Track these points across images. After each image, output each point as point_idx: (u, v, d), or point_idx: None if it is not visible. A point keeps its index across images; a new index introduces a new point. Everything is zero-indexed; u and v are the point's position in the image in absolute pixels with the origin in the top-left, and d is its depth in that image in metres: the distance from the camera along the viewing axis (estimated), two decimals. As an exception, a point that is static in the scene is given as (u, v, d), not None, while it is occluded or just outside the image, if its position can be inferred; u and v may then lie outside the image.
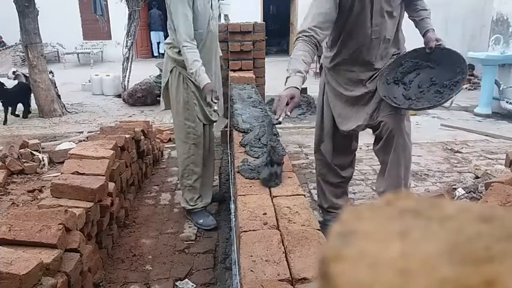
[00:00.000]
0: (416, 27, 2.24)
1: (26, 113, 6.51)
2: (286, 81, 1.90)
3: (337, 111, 2.41)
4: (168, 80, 2.66)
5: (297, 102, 1.84)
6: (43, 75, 6.38)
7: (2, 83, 6.09)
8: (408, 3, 2.27)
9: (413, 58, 2.23)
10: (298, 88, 1.84)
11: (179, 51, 2.52)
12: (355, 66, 2.25)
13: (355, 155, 2.73)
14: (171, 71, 2.63)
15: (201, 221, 2.77)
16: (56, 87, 6.79)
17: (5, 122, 6.15)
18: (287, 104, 1.79)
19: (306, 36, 1.99)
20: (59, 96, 6.78)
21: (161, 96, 2.81)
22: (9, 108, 6.27)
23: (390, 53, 2.26)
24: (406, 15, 2.30)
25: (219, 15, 8.44)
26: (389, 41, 2.20)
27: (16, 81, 6.67)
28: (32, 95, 6.57)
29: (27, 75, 6.61)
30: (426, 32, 2.18)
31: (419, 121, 5.85)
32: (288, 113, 1.79)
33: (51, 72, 6.87)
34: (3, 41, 12.97)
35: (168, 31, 2.62)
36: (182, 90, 2.64)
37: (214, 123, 2.89)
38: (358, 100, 2.32)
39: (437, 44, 2.14)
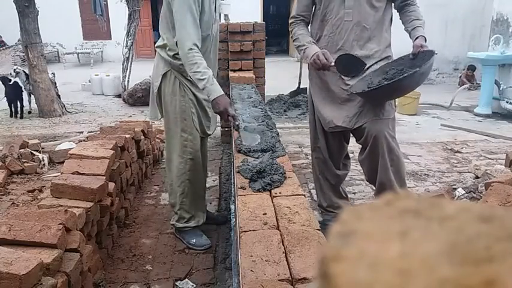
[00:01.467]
0: (410, 37, 2.26)
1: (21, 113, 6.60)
2: (305, 51, 2.26)
3: (318, 108, 2.44)
4: (161, 84, 2.36)
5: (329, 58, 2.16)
6: (43, 75, 6.38)
7: (9, 79, 6.35)
8: (400, 10, 2.34)
9: (399, 66, 2.23)
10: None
11: (174, 55, 2.25)
12: (331, 54, 2.26)
13: (348, 156, 2.73)
14: (165, 74, 2.33)
15: (194, 240, 2.52)
16: (56, 87, 6.81)
17: (14, 115, 6.45)
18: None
19: (298, 20, 2.38)
20: (59, 96, 6.79)
21: (151, 103, 2.49)
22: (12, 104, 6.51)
23: (370, 47, 2.26)
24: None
25: (219, 15, 8.45)
26: (366, 30, 2.21)
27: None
28: (32, 96, 6.65)
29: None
30: (415, 40, 2.20)
31: (419, 121, 5.85)
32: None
33: (52, 73, 6.93)
34: (3, 41, 12.97)
35: (162, 32, 2.32)
36: (179, 97, 2.34)
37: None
38: (336, 95, 2.34)
39: (420, 49, 2.13)
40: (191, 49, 2.11)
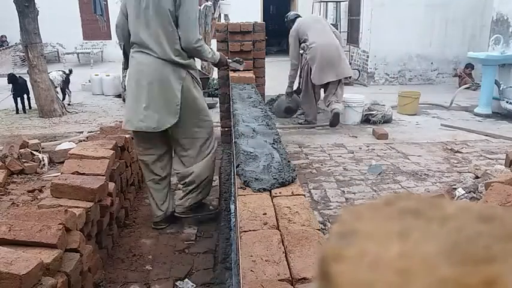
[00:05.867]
0: None
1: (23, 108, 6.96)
2: None
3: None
4: (183, 88, 2.51)
5: None
6: (43, 75, 6.37)
7: (16, 76, 6.67)
8: None
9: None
10: None
11: (187, 57, 2.54)
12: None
13: None
14: (185, 78, 2.53)
15: (207, 209, 2.88)
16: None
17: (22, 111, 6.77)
18: None
19: None
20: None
21: (167, 108, 2.51)
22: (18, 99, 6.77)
23: None
24: None
25: (219, 15, 8.43)
26: None
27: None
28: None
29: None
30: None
31: (420, 121, 5.85)
32: None
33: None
34: (6, 41, 12.95)
35: (172, 43, 2.44)
36: (199, 90, 2.68)
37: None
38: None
39: None
40: (199, 39, 2.49)
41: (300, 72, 5.44)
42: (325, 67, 4.98)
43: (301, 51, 5.37)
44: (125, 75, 7.50)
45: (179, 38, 2.45)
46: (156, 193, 2.71)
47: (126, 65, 2.80)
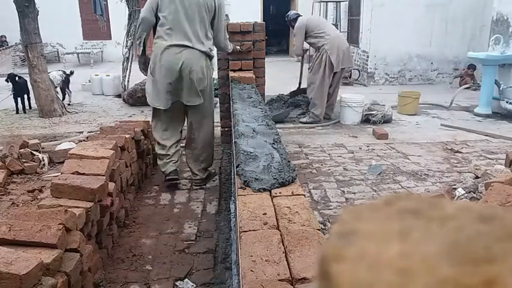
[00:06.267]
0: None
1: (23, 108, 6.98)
2: None
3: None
4: (208, 73, 3.24)
5: None
6: (43, 75, 6.37)
7: (15, 76, 6.63)
8: None
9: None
10: None
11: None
12: None
13: None
14: (210, 67, 3.29)
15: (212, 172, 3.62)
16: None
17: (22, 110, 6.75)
18: None
19: None
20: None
21: (200, 88, 3.19)
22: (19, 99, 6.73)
23: None
24: None
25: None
26: None
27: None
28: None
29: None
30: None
31: (420, 121, 5.85)
32: None
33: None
34: (6, 41, 12.94)
35: (205, 37, 3.15)
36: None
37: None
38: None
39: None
40: (227, 37, 3.46)
41: (312, 66, 5.89)
42: (341, 55, 5.67)
43: (306, 46, 6.04)
44: (125, 75, 7.52)
45: (212, 37, 3.22)
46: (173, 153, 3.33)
47: (143, 52, 3.37)
